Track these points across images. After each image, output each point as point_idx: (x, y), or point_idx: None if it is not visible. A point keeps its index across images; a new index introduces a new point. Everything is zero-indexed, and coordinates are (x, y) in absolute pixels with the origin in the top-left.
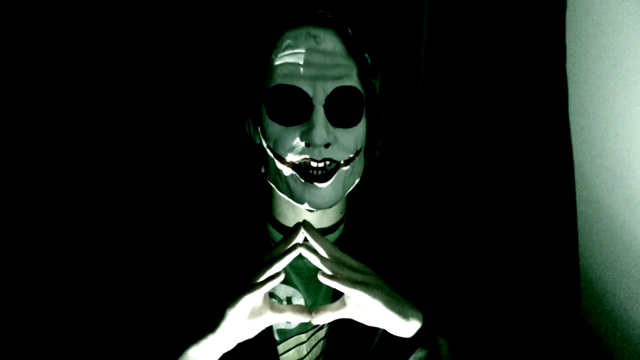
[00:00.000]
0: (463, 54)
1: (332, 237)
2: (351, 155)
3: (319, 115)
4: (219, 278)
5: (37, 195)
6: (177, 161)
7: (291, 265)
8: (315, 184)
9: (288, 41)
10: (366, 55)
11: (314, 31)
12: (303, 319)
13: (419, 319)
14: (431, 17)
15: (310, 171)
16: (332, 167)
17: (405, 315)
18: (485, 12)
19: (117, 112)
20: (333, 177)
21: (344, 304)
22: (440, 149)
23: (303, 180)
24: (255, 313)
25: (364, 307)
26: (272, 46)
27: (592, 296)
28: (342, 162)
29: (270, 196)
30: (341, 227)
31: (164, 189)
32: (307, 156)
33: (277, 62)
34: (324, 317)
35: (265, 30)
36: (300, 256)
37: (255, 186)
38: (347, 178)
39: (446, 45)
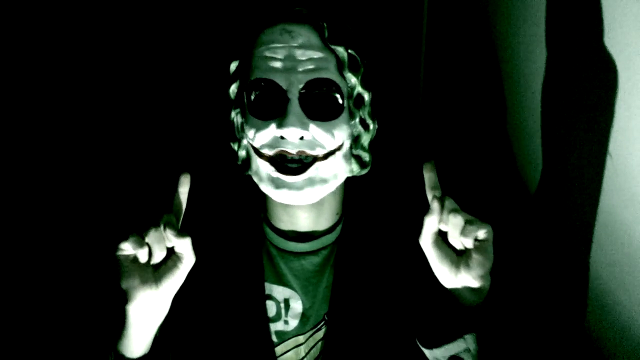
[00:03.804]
0: (463, 54)
1: (330, 238)
2: (330, 150)
3: (293, 107)
4: (216, 280)
5: (36, 195)
6: (175, 163)
7: (289, 267)
8: (290, 176)
9: (265, 37)
10: (343, 48)
11: (289, 27)
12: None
13: (484, 291)
14: (431, 17)
15: (286, 164)
16: (308, 160)
17: (485, 276)
18: (484, 12)
19: (113, 113)
20: (308, 171)
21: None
22: (440, 149)
23: (278, 173)
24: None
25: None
26: (253, 45)
27: (595, 299)
28: (320, 155)
29: (265, 199)
30: (338, 229)
31: (162, 191)
32: (282, 148)
33: (255, 58)
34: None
35: (246, 29)
36: (297, 258)
37: (252, 189)
38: (326, 173)
39: (446, 45)
